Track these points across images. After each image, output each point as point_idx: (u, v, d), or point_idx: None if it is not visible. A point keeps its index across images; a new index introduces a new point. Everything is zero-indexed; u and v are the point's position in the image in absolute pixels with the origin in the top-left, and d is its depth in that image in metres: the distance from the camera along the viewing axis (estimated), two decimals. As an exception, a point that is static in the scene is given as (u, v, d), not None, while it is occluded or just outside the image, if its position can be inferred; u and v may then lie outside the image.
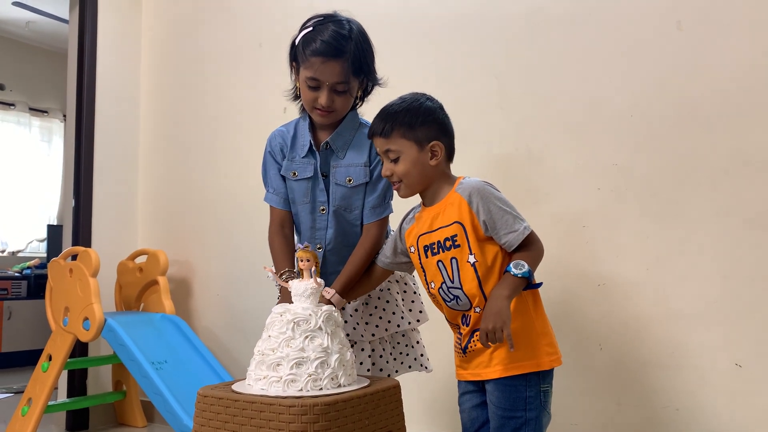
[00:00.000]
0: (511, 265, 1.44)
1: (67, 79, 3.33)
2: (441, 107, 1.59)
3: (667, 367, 2.00)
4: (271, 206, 1.75)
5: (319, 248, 1.71)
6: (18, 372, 4.67)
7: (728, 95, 1.96)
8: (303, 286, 1.37)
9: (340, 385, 1.30)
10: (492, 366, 1.47)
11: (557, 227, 2.19)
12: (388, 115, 1.54)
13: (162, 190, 3.29)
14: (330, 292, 1.57)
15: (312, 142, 1.69)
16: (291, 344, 1.29)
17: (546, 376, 1.50)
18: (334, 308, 1.38)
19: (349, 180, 1.69)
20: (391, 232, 1.73)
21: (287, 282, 1.44)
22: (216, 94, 3.12)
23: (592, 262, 2.14)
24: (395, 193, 1.63)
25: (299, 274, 1.45)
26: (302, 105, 1.71)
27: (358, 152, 1.69)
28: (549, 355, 1.48)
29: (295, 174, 1.70)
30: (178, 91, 3.31)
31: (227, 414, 1.26)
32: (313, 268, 1.39)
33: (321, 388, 1.27)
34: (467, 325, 1.51)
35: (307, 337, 1.29)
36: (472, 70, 2.41)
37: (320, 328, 1.31)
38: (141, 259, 3.04)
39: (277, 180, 1.73)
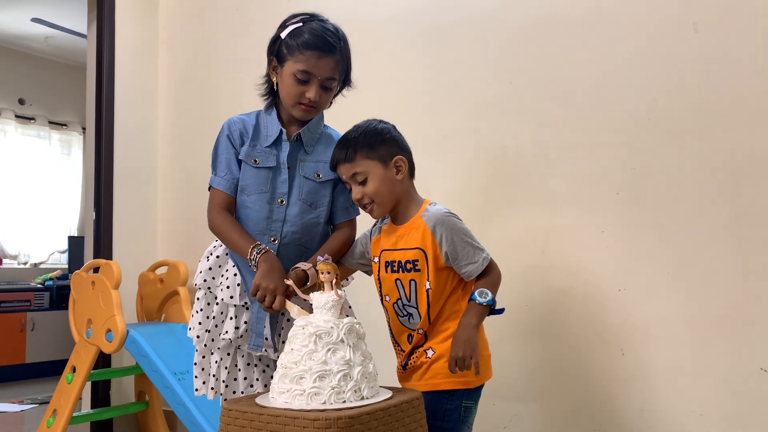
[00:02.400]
0: (475, 293, 1.53)
1: (86, 92, 3.38)
2: (394, 127, 1.68)
3: (691, 372, 1.99)
4: (214, 190, 1.70)
5: (273, 241, 1.68)
6: (42, 383, 4.73)
7: (746, 96, 1.94)
8: (324, 299, 1.37)
9: (363, 398, 1.30)
10: (424, 380, 1.58)
11: (576, 232, 2.19)
12: (347, 141, 1.61)
13: (181, 200, 3.32)
14: (307, 266, 1.58)
15: (284, 131, 1.69)
16: (313, 357, 1.29)
17: (472, 393, 1.58)
18: (355, 320, 1.38)
19: (318, 175, 1.70)
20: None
21: (308, 294, 1.44)
22: (234, 104, 3.12)
23: (612, 267, 2.12)
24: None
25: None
26: (271, 99, 1.73)
27: (326, 148, 1.70)
28: (481, 373, 1.53)
29: (256, 161, 1.67)
30: (196, 103, 3.34)
31: (252, 428, 1.27)
32: (333, 281, 1.40)
33: (344, 401, 1.27)
34: (410, 344, 1.62)
35: (329, 350, 1.30)
36: (488, 75, 2.41)
37: (342, 341, 1.32)
38: (161, 270, 3.07)
39: (233, 164, 1.68)
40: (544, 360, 2.23)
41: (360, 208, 1.68)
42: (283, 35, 1.64)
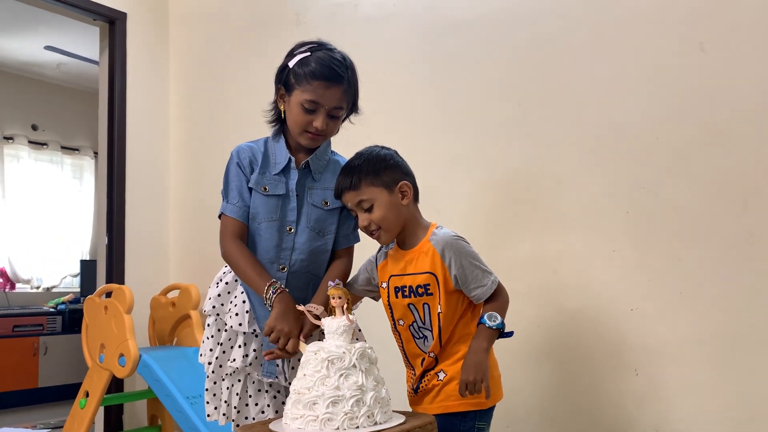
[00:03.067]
0: (485, 317, 1.55)
1: (98, 117, 3.42)
2: (396, 152, 1.69)
3: (706, 392, 1.97)
4: (226, 218, 1.69)
5: (282, 269, 1.68)
6: (55, 407, 4.74)
7: (755, 114, 1.94)
8: (336, 324, 1.38)
9: (376, 423, 1.30)
10: (435, 402, 1.58)
11: (587, 252, 2.18)
12: (351, 169, 1.62)
13: (193, 224, 3.35)
14: (319, 309, 1.55)
15: (293, 159, 1.70)
16: (326, 383, 1.30)
17: (484, 414, 1.58)
18: (367, 345, 1.38)
19: (325, 202, 1.71)
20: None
21: (320, 320, 1.45)
22: (244, 128, 3.17)
23: (623, 286, 2.11)
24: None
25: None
26: (279, 127, 1.73)
27: (334, 176, 1.70)
28: (492, 394, 1.55)
29: (266, 189, 1.68)
30: (207, 127, 3.37)
31: (265, 453, 1.27)
32: (344, 306, 1.40)
33: (358, 426, 1.27)
34: (422, 367, 1.62)
35: (341, 375, 1.30)
36: (495, 97, 2.42)
37: (354, 366, 1.32)
38: (173, 294, 3.09)
39: (244, 191, 1.69)
40: (558, 381, 2.21)
41: (367, 235, 1.68)
42: (290, 64, 1.65)
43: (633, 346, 2.09)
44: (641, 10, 2.13)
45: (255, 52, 3.18)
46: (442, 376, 1.59)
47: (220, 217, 1.73)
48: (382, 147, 1.68)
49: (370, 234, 1.64)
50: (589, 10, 2.23)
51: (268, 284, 1.58)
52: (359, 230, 1.73)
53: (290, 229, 1.69)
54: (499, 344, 1.60)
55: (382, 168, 1.61)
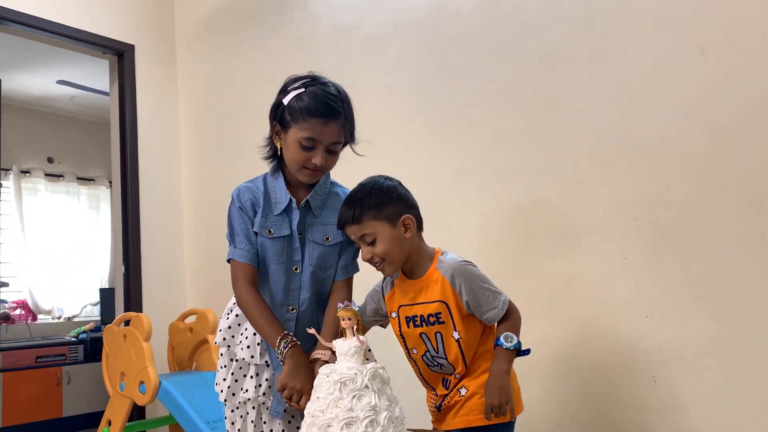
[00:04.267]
0: (501, 339, 1.57)
1: (111, 148, 3.48)
2: (400, 183, 1.67)
3: (726, 398, 1.95)
4: (236, 263, 1.66)
5: (292, 310, 1.68)
6: (79, 436, 4.77)
7: (759, 116, 1.93)
8: (347, 345, 1.38)
9: (390, 442, 1.31)
10: (458, 417, 1.60)
11: (598, 261, 2.18)
12: (354, 202, 1.60)
13: (207, 250, 3.38)
14: (326, 354, 1.55)
15: (293, 200, 1.67)
16: (339, 404, 1.30)
17: (506, 426, 1.60)
18: (378, 365, 1.39)
19: (327, 238, 1.68)
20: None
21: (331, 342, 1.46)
22: (253, 154, 3.21)
23: (636, 294, 2.11)
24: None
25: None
26: (277, 164, 1.71)
27: (333, 210, 1.68)
28: (513, 408, 1.56)
29: (270, 232, 1.65)
30: (217, 153, 3.42)
31: (282, 477, 1.28)
32: (354, 327, 1.41)
33: (372, 447, 1.28)
34: (447, 388, 1.64)
35: (354, 396, 1.31)
36: (500, 109, 2.44)
37: (367, 387, 1.33)
38: (191, 319, 3.11)
39: (250, 235, 1.65)
40: (575, 391, 2.20)
41: (371, 266, 1.66)
42: (285, 101, 1.61)
43: (650, 354, 2.07)
44: (641, 19, 2.14)
45: (261, 77, 3.23)
46: (463, 391, 1.60)
47: (228, 261, 1.70)
48: (386, 177, 1.66)
49: (374, 266, 1.64)
50: (591, 20, 2.25)
51: (280, 337, 1.56)
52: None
53: (296, 269, 1.68)
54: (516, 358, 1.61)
55: (385, 201, 1.59)
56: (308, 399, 1.47)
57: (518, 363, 1.66)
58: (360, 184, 1.65)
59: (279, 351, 1.55)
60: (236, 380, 1.70)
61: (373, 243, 1.59)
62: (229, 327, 1.73)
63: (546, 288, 2.27)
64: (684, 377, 2.02)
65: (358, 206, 1.59)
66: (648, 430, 2.06)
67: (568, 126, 2.27)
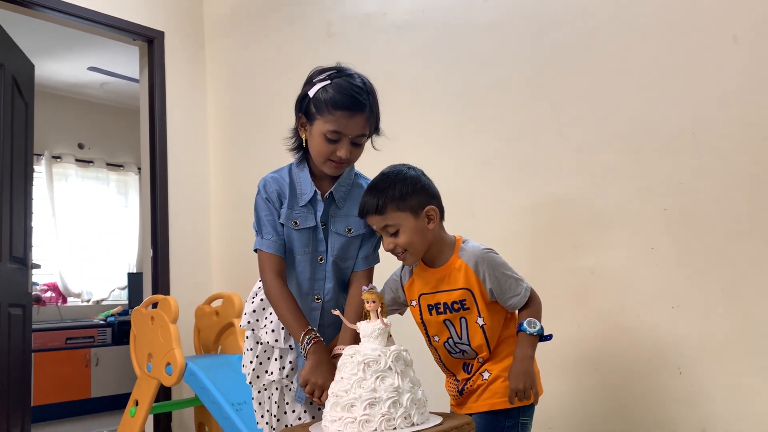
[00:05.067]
0: (524, 324, 1.59)
1: (140, 134, 3.53)
2: (423, 173, 1.65)
3: (752, 389, 1.92)
4: (263, 253, 1.67)
5: (317, 299, 1.70)
6: (107, 416, 4.87)
7: (794, 105, 1.90)
8: (371, 327, 1.40)
9: (413, 424, 1.32)
10: (481, 401, 1.62)
11: (625, 250, 2.16)
12: (377, 192, 1.59)
13: (234, 235, 3.42)
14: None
15: (318, 192, 1.68)
16: (363, 385, 1.32)
17: (527, 409, 1.62)
18: (402, 347, 1.40)
19: (349, 230, 1.69)
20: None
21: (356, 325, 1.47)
22: (280, 141, 3.23)
23: (664, 284, 2.09)
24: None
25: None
26: (302, 155, 1.71)
27: (355, 203, 1.68)
28: (537, 393, 1.58)
29: (296, 223, 1.66)
30: (244, 138, 3.45)
31: (306, 456, 1.30)
32: (378, 309, 1.42)
33: (395, 428, 1.29)
34: (468, 372, 1.66)
35: (378, 377, 1.32)
36: (527, 98, 2.42)
37: (390, 368, 1.34)
38: (217, 303, 3.16)
39: (276, 225, 1.67)
40: (599, 382, 2.19)
41: (393, 255, 1.66)
42: (311, 93, 1.60)
43: (676, 345, 2.06)
44: (672, 5, 2.11)
45: (289, 64, 3.24)
46: (486, 375, 1.62)
47: (255, 250, 1.71)
48: (409, 167, 1.64)
49: (396, 256, 1.64)
50: (618, 7, 2.22)
51: (304, 332, 1.58)
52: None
53: (321, 259, 1.70)
54: (539, 347, 1.62)
55: (409, 192, 1.58)
56: (327, 394, 1.48)
57: (541, 354, 1.66)
58: (383, 174, 1.63)
59: (303, 346, 1.57)
60: (260, 363, 1.73)
61: (395, 234, 1.58)
62: (254, 311, 1.75)
63: (571, 278, 2.26)
64: (710, 370, 2.00)
65: (381, 197, 1.57)
66: (673, 422, 2.04)
67: (596, 115, 2.25)
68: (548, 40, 2.38)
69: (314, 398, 1.54)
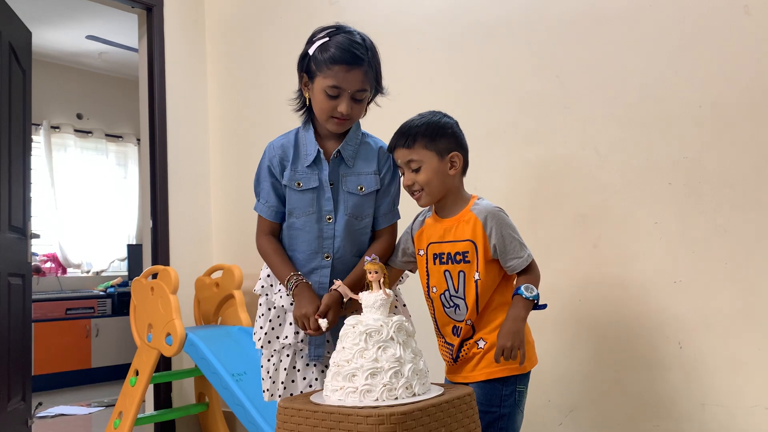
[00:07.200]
0: (522, 288, 1.59)
1: (139, 104, 3.49)
2: (457, 123, 1.69)
3: (754, 365, 1.93)
4: (260, 217, 1.77)
5: (327, 258, 1.71)
6: (107, 386, 4.91)
7: (804, 78, 1.87)
8: (373, 298, 1.39)
9: (414, 394, 1.32)
10: (477, 370, 1.62)
11: (629, 224, 2.15)
12: (409, 128, 1.64)
13: (234, 206, 3.40)
14: (337, 283, 1.61)
15: (321, 151, 1.71)
16: (365, 355, 1.31)
17: (523, 378, 1.63)
18: (404, 318, 1.39)
19: (361, 188, 1.72)
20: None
21: (358, 294, 1.46)
22: (280, 111, 3.20)
23: (666, 259, 2.08)
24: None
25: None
26: (307, 115, 1.75)
27: (366, 161, 1.73)
28: (528, 359, 1.60)
29: (299, 184, 1.71)
30: (244, 110, 3.41)
31: (307, 425, 1.30)
32: (381, 279, 1.41)
33: (396, 398, 1.29)
34: (458, 336, 1.65)
35: (379, 347, 1.32)
36: (533, 70, 2.39)
37: (392, 339, 1.33)
38: (217, 275, 3.15)
39: (270, 193, 1.74)
40: (600, 355, 2.20)
41: (409, 194, 1.69)
42: (311, 51, 1.65)
43: (677, 320, 2.06)
44: (682, -25, 2.07)
45: (290, 34, 3.19)
46: (482, 344, 1.62)
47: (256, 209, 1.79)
48: (444, 114, 1.68)
49: (412, 194, 1.67)
50: (627, -24, 2.18)
51: (288, 276, 1.66)
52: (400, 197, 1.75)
53: (329, 219, 1.71)
54: (540, 321, 1.61)
55: (439, 134, 1.62)
56: (315, 320, 1.56)
57: (541, 327, 1.66)
58: (419, 114, 1.67)
59: (288, 288, 1.65)
60: (273, 328, 1.74)
61: (417, 170, 1.63)
62: (268, 275, 1.78)
63: (573, 251, 2.25)
64: (711, 344, 2.00)
65: (412, 133, 1.62)
66: (673, 396, 2.05)
67: (601, 87, 2.22)
68: (555, 11, 2.34)
69: (308, 330, 1.60)
